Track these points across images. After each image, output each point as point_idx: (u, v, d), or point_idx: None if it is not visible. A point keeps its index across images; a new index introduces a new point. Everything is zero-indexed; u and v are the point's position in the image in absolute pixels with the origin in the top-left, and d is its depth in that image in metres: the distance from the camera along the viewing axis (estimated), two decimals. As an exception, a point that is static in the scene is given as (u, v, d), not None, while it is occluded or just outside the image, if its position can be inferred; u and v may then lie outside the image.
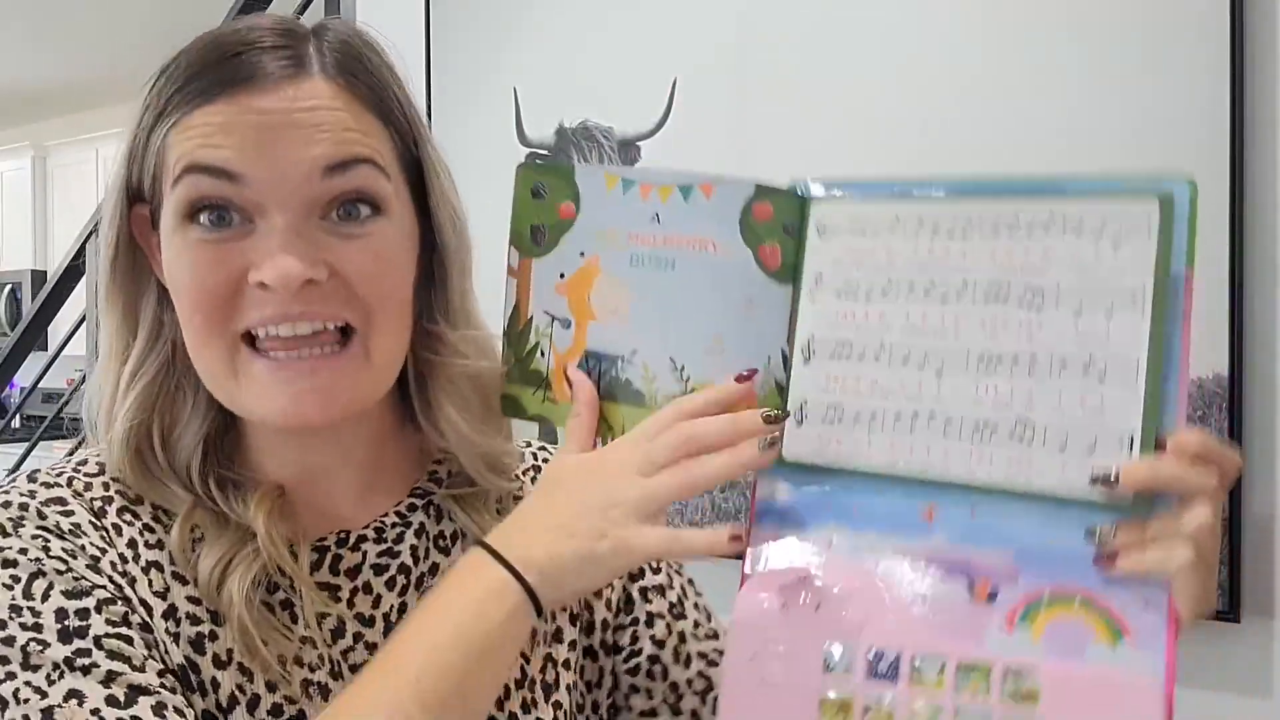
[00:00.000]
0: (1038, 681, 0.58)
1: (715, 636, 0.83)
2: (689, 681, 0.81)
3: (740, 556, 0.66)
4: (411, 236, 0.71)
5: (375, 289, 0.67)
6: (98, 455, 0.73)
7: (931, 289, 0.63)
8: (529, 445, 0.87)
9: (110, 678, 0.62)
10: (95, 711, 0.60)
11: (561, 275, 0.71)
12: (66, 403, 3.23)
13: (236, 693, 0.67)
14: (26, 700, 0.61)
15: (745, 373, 0.66)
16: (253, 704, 0.67)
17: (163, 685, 0.63)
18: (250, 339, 0.66)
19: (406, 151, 0.71)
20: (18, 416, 4.32)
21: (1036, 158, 1.40)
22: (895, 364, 0.64)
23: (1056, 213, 0.60)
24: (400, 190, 0.70)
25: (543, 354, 0.71)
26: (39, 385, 3.02)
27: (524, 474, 0.84)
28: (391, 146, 0.70)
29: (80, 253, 2.57)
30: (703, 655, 0.82)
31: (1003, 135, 1.43)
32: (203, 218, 0.65)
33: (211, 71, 0.65)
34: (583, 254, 0.70)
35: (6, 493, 0.68)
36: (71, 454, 0.75)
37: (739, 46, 1.67)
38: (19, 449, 3.33)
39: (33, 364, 3.13)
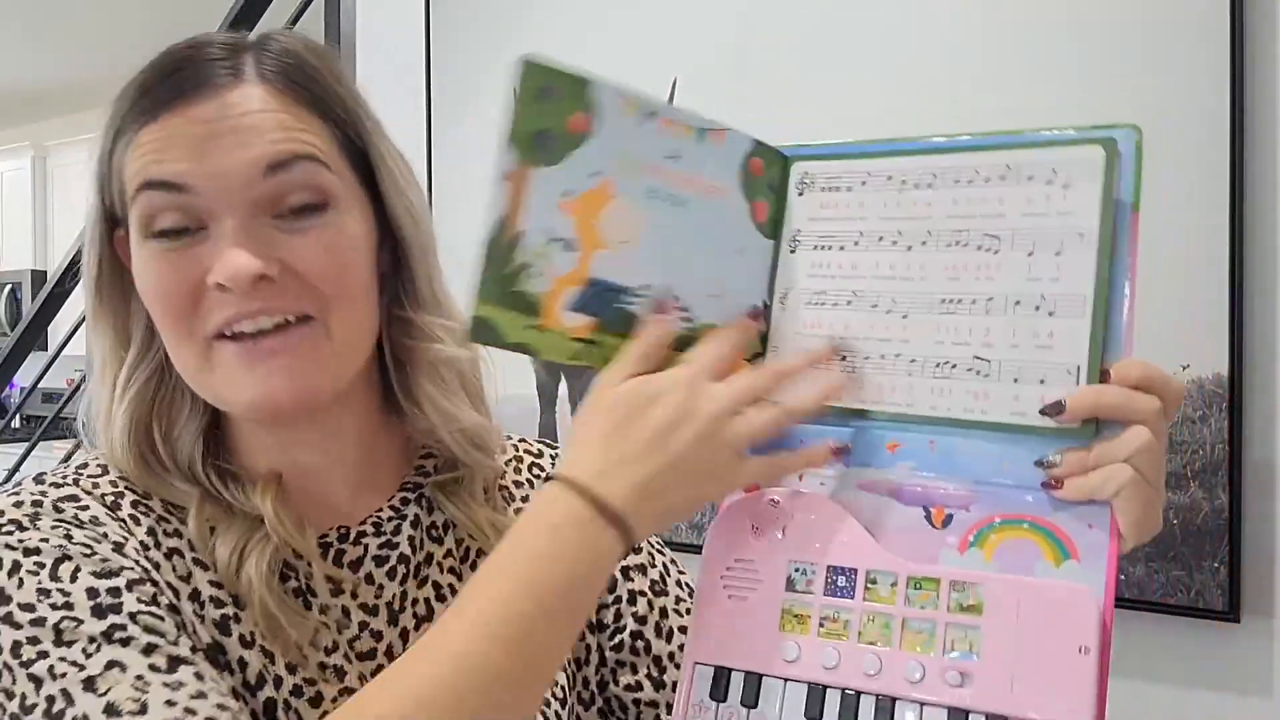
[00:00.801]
0: (981, 595, 0.62)
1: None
2: (671, 655, 0.84)
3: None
4: (367, 227, 0.73)
5: (329, 281, 0.69)
6: (97, 459, 0.74)
7: (899, 238, 0.68)
8: (510, 438, 0.90)
9: (150, 649, 0.62)
10: (140, 678, 0.61)
11: (566, 193, 0.65)
12: (66, 403, 3.23)
13: (263, 672, 0.69)
14: (63, 674, 0.60)
15: (752, 310, 0.69)
16: (276, 684, 0.69)
17: (197, 658, 0.64)
18: (221, 335, 0.69)
19: (351, 145, 0.73)
20: (18, 416, 4.32)
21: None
22: (864, 309, 0.68)
23: (1011, 163, 0.64)
24: (349, 182, 0.72)
25: (534, 275, 0.64)
26: (39, 385, 3.02)
27: (507, 464, 0.87)
28: (334, 141, 0.72)
29: (80, 252, 2.56)
30: (685, 629, 0.84)
31: (1003, 135, 1.44)
32: (161, 232, 0.68)
33: (157, 88, 0.69)
34: (594, 174, 0.66)
35: (16, 493, 0.69)
36: (70, 456, 0.76)
37: (739, 46, 1.67)
38: (19, 449, 3.33)
39: (33, 364, 3.13)
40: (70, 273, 2.60)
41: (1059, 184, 0.63)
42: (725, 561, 0.69)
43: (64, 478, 0.72)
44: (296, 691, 0.69)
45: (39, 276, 5.33)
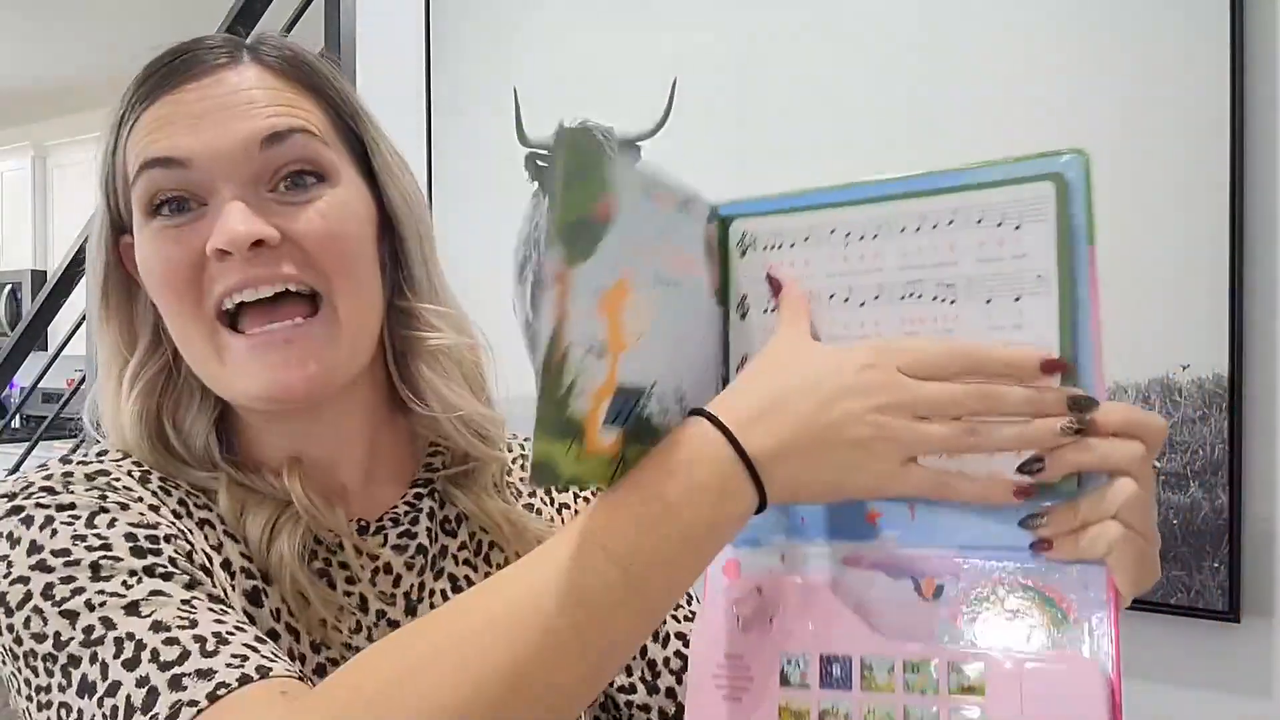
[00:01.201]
0: (981, 673, 0.59)
1: (694, 618, 0.85)
2: (666, 660, 0.83)
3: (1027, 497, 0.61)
4: (366, 207, 0.74)
5: (330, 251, 0.69)
6: (115, 446, 0.74)
7: (850, 294, 0.64)
8: (515, 436, 0.90)
9: (193, 584, 0.62)
10: (186, 603, 0.60)
11: (599, 290, 0.55)
12: (67, 403, 3.23)
13: (291, 648, 0.69)
14: (102, 604, 0.59)
15: (1053, 359, 0.58)
16: (300, 660, 0.69)
17: (235, 604, 0.65)
18: (229, 321, 0.69)
19: (347, 129, 0.74)
20: (18, 416, 4.32)
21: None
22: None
23: (958, 207, 0.62)
24: (344, 160, 0.73)
25: (579, 395, 0.54)
26: (39, 385, 3.02)
27: (513, 462, 0.87)
28: (329, 120, 0.73)
29: (80, 253, 2.56)
30: (680, 635, 0.84)
31: (1003, 134, 1.43)
32: (163, 209, 0.69)
33: (155, 77, 0.70)
34: (616, 266, 0.56)
35: (45, 467, 0.69)
36: (71, 453, 0.75)
37: (739, 46, 1.66)
38: (19, 449, 3.33)
39: (33, 364, 3.13)
40: (70, 272, 2.61)
41: (1010, 225, 0.60)
42: (715, 659, 0.66)
43: (87, 458, 0.72)
44: (319, 670, 0.70)
45: (39, 276, 5.33)
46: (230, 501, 0.71)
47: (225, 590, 0.67)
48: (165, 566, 0.62)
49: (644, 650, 0.83)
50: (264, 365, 0.68)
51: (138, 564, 0.61)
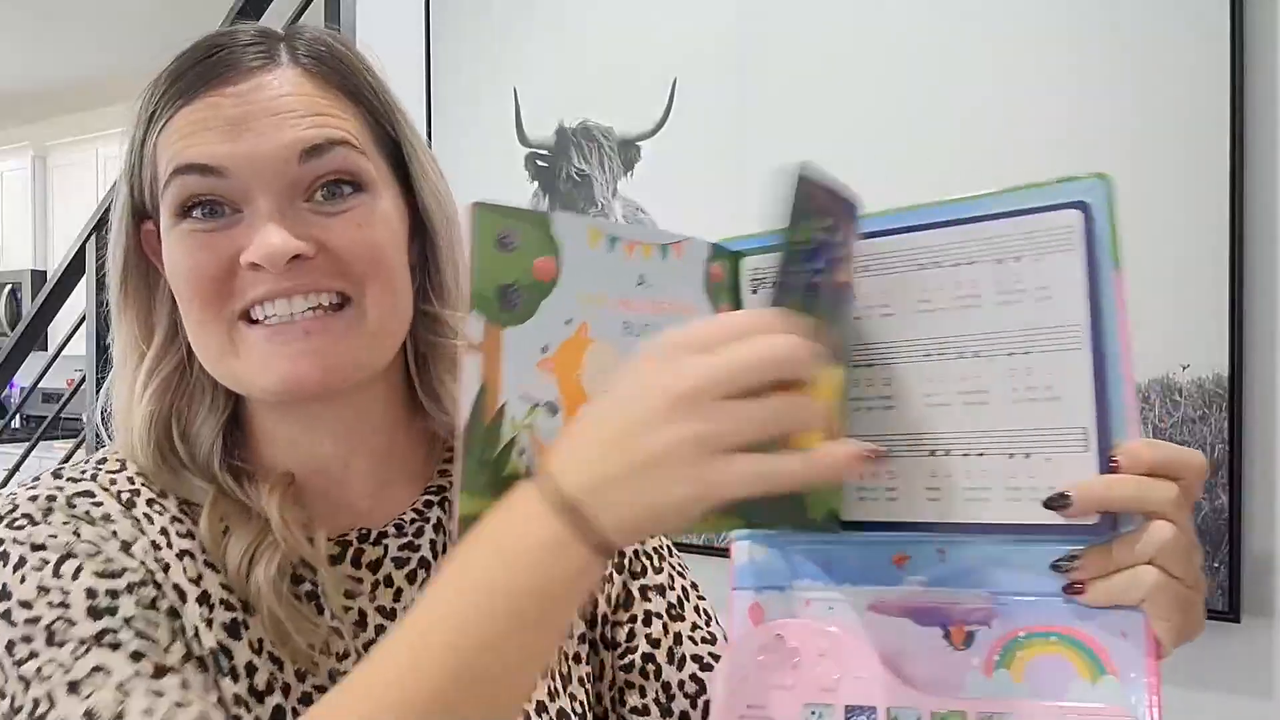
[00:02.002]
0: None
1: (713, 640, 0.83)
2: (681, 683, 0.81)
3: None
4: (399, 214, 0.73)
5: (365, 259, 0.68)
6: (116, 454, 0.74)
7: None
8: None
9: (137, 655, 0.62)
10: (121, 685, 0.60)
11: (544, 349, 0.56)
12: (66, 403, 3.23)
13: (271, 678, 0.68)
14: (49, 676, 0.61)
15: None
16: (285, 691, 0.68)
17: (186, 668, 0.64)
18: (248, 319, 0.68)
19: (383, 133, 0.73)
20: (18, 416, 4.32)
21: (1036, 155, 1.40)
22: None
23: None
24: (381, 169, 0.72)
25: (521, 451, 0.55)
26: (39, 385, 3.02)
27: None
28: (367, 127, 0.72)
29: (80, 253, 2.57)
30: (697, 659, 0.82)
31: (1003, 134, 1.44)
32: (195, 212, 0.68)
33: (189, 74, 0.68)
34: (569, 321, 0.57)
35: (34, 488, 0.69)
36: (69, 456, 0.75)
37: (739, 46, 1.67)
38: (19, 449, 3.33)
39: (33, 364, 3.13)
40: (70, 272, 2.61)
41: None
42: (737, 710, 0.63)
43: (82, 473, 0.71)
44: (305, 699, 0.68)
45: (39, 276, 5.33)
46: (212, 525, 0.69)
47: (195, 629, 0.66)
48: (116, 631, 0.62)
49: (659, 672, 0.81)
50: (281, 355, 0.67)
51: (89, 630, 0.62)
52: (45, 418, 3.23)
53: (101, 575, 0.64)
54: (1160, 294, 1.32)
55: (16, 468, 3.16)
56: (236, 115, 0.67)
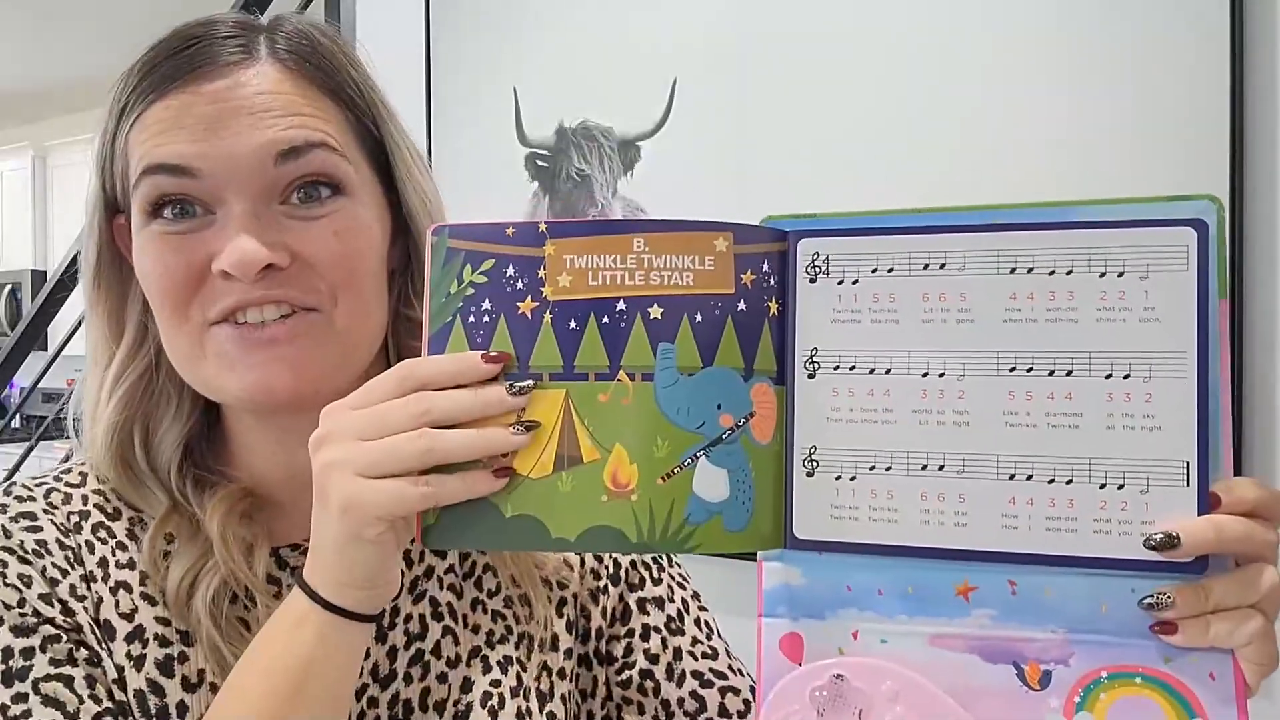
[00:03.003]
0: None
1: (714, 655, 0.80)
2: (680, 700, 0.78)
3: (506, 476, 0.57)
4: (379, 217, 0.71)
5: (339, 269, 0.67)
6: (82, 464, 0.73)
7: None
8: None
9: None
10: None
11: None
12: (66, 402, 3.22)
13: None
14: None
15: (495, 354, 0.57)
16: None
17: None
18: (217, 323, 0.67)
19: (366, 133, 0.71)
20: (18, 416, 4.32)
21: (1037, 154, 1.40)
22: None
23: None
24: (362, 170, 0.69)
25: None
26: (39, 385, 3.02)
27: None
28: (348, 128, 0.69)
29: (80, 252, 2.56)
30: (697, 675, 0.79)
31: (1002, 134, 1.43)
32: (165, 212, 0.66)
33: (163, 66, 0.66)
34: None
35: None
36: (69, 456, 0.74)
37: (739, 46, 1.66)
38: (19, 449, 3.32)
39: (33, 364, 3.13)
40: (70, 272, 2.60)
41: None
42: None
43: (37, 487, 0.70)
44: None
45: (39, 276, 5.33)
46: (154, 544, 0.68)
47: (120, 670, 0.65)
48: (25, 699, 0.62)
49: (658, 689, 0.78)
50: (249, 364, 0.65)
51: (3, 697, 0.62)
52: (45, 418, 3.23)
53: (18, 631, 0.64)
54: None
55: (16, 468, 3.15)
56: (211, 113, 0.64)
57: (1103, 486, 0.53)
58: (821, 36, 1.59)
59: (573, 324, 0.57)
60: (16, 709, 0.62)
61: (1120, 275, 0.53)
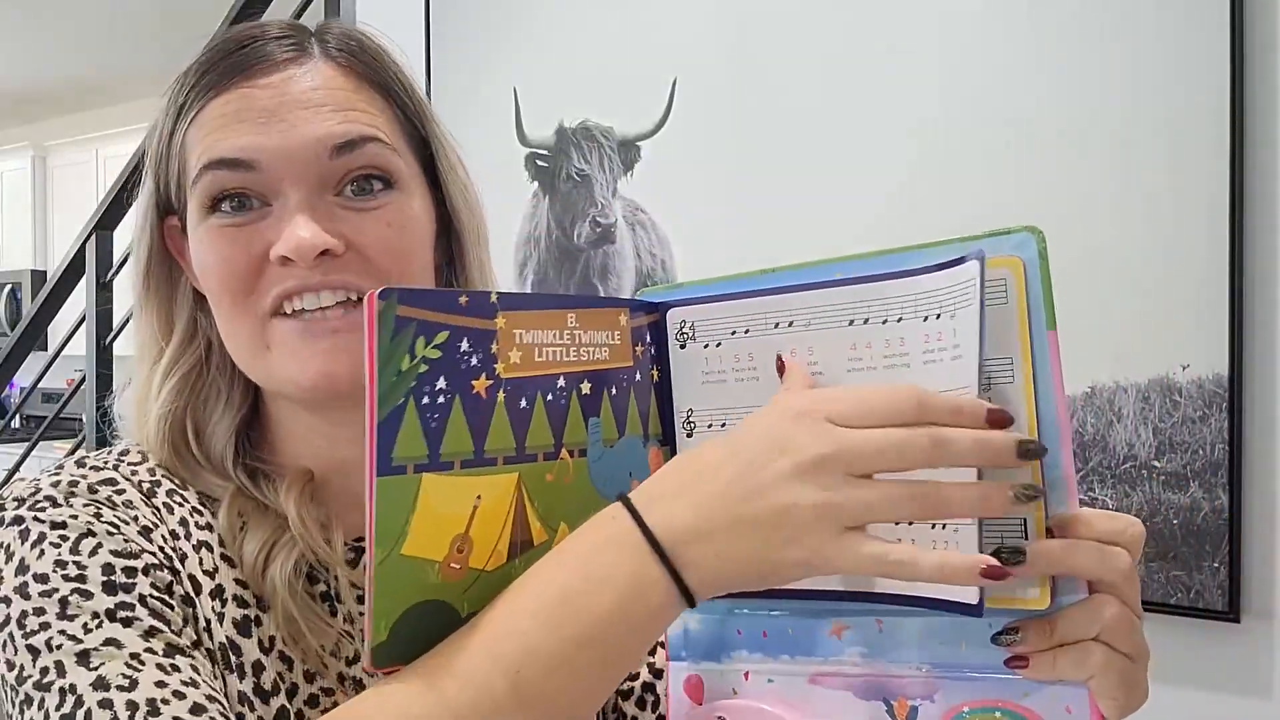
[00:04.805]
0: None
1: None
2: None
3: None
4: (428, 212, 0.72)
5: (393, 258, 0.68)
6: (138, 445, 0.74)
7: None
8: None
9: (151, 633, 0.62)
10: (135, 656, 0.60)
11: None
12: (66, 403, 3.23)
13: (278, 679, 0.67)
14: (60, 647, 0.60)
15: (1001, 411, 0.51)
16: (291, 692, 0.67)
17: (196, 654, 0.64)
18: (280, 314, 0.68)
19: (413, 130, 0.73)
20: (18, 416, 4.32)
21: (1037, 153, 1.40)
22: None
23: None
24: (411, 167, 0.71)
25: None
26: (39, 385, 3.02)
27: None
28: (397, 124, 0.71)
29: (80, 253, 2.57)
30: None
31: (1002, 135, 1.43)
32: (224, 205, 0.67)
33: (220, 65, 0.68)
34: None
35: (57, 473, 0.69)
36: (71, 453, 0.74)
37: (739, 46, 1.67)
38: (19, 449, 3.33)
39: (33, 364, 3.13)
40: (70, 272, 2.61)
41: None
42: None
43: (104, 462, 0.71)
44: (312, 701, 0.67)
45: (39, 276, 5.33)
46: (230, 519, 0.69)
47: (207, 622, 0.66)
48: (132, 607, 0.62)
49: (657, 704, 0.79)
50: (312, 352, 0.66)
51: (104, 604, 0.62)
52: (45, 418, 3.23)
53: (119, 554, 0.64)
54: (1160, 294, 1.32)
55: (16, 468, 3.16)
56: (268, 107, 0.66)
57: (939, 527, 0.53)
58: (821, 36, 1.59)
59: (523, 403, 0.56)
60: (123, 614, 0.62)
61: (938, 318, 0.53)
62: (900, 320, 0.55)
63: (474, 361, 0.54)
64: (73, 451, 2.87)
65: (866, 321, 0.55)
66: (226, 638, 0.66)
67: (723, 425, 0.60)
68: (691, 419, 0.61)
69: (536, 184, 1.90)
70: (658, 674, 0.80)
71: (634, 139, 1.78)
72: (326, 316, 0.66)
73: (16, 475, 3.15)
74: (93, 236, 2.52)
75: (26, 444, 3.16)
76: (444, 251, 0.75)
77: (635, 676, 0.80)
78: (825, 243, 1.57)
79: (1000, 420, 0.50)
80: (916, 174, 1.50)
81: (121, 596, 0.62)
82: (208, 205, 0.67)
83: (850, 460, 0.49)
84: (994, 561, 0.49)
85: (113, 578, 0.63)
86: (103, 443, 0.78)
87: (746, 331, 0.59)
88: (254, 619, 0.68)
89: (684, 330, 0.61)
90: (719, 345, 0.60)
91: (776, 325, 0.58)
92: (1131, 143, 1.34)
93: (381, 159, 0.68)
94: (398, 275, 0.68)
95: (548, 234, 1.88)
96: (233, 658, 0.66)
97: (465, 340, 0.54)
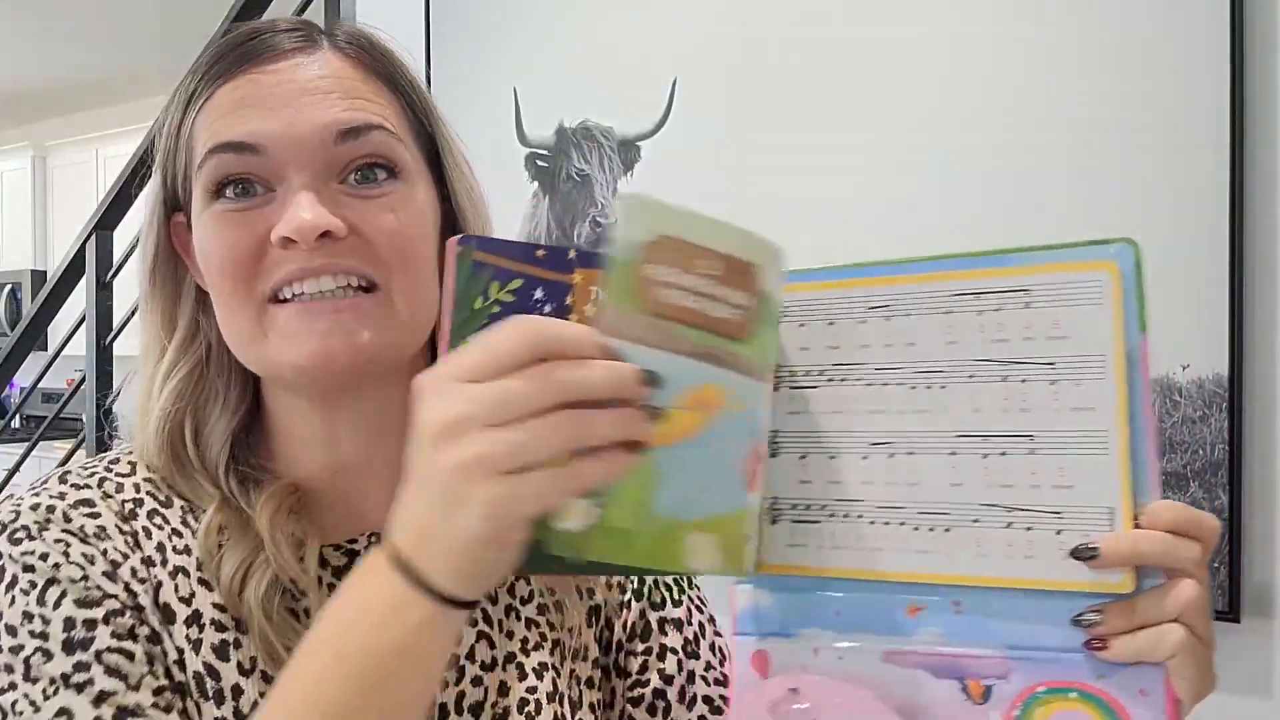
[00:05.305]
0: None
1: (725, 682, 0.81)
2: None
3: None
4: (432, 206, 0.72)
5: (395, 245, 0.68)
6: (129, 453, 0.74)
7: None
8: None
9: (102, 698, 0.63)
10: None
11: None
12: (66, 403, 3.23)
13: (260, 700, 0.67)
14: (21, 713, 0.62)
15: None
16: None
17: (155, 705, 0.64)
18: (277, 300, 0.67)
19: (419, 126, 0.73)
20: (17, 417, 4.32)
21: (1038, 152, 1.40)
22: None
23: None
24: (416, 159, 0.71)
25: None
26: (39, 385, 3.02)
27: None
28: (403, 117, 0.71)
29: (80, 253, 2.57)
30: (708, 700, 0.80)
31: (1001, 137, 1.43)
32: (228, 191, 0.67)
33: (229, 54, 0.68)
34: None
35: (37, 494, 0.69)
36: (70, 455, 0.75)
37: (739, 46, 1.67)
38: (19, 449, 3.33)
39: (33, 364, 3.13)
40: (70, 272, 2.61)
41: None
42: None
43: (89, 476, 0.71)
44: None
45: (39, 277, 5.33)
46: (208, 540, 0.69)
47: (179, 653, 0.66)
48: (86, 671, 0.63)
49: (668, 709, 0.79)
50: (311, 332, 0.66)
51: (62, 667, 0.63)
52: (45, 418, 3.23)
53: (81, 604, 0.65)
54: (1160, 294, 1.31)
55: (16, 468, 3.16)
56: (275, 92, 0.67)
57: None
58: (821, 37, 1.59)
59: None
60: (79, 677, 0.63)
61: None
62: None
63: (547, 310, 0.56)
64: (73, 452, 2.87)
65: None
66: (203, 664, 0.66)
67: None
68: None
69: (536, 184, 1.90)
70: (668, 680, 0.79)
71: (634, 139, 1.78)
72: (326, 298, 0.66)
73: (16, 475, 3.16)
74: (93, 236, 2.52)
75: (26, 444, 3.16)
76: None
77: (645, 683, 0.79)
78: (824, 243, 1.57)
79: (611, 353, 0.50)
80: (915, 175, 1.50)
81: (79, 656, 0.63)
82: (212, 190, 0.67)
83: (486, 414, 0.49)
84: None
85: (73, 634, 0.64)
86: (102, 443, 0.78)
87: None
88: (233, 642, 0.67)
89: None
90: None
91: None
92: (1131, 142, 1.34)
93: (386, 147, 0.68)
94: (400, 263, 0.68)
95: (548, 234, 1.88)
96: (210, 684, 0.66)
97: (540, 289, 0.56)
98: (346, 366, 0.66)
